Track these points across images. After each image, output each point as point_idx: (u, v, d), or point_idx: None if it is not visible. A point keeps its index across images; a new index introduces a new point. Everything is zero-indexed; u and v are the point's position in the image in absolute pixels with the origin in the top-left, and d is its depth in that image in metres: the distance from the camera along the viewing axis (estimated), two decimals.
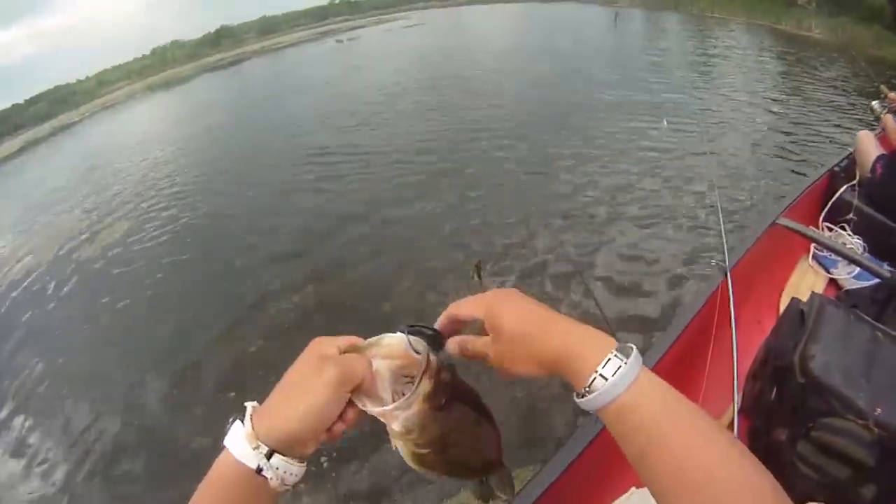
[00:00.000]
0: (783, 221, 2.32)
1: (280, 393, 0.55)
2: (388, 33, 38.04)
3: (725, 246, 2.09)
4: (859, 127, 4.75)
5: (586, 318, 3.27)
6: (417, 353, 0.59)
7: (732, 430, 1.59)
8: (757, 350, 1.78)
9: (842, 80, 9.15)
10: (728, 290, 1.90)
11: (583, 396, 0.51)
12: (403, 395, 0.56)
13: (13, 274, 7.38)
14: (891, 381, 1.36)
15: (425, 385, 0.56)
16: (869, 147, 3.03)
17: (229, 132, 13.04)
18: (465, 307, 0.61)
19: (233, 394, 3.66)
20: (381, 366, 0.58)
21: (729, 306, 1.84)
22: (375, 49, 28.99)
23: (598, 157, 6.29)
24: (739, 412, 1.67)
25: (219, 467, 0.52)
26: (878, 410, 1.29)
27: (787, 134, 6.63)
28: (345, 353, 0.58)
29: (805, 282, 2.60)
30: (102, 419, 3.86)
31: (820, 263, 2.73)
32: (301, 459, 0.54)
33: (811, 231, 2.25)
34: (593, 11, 30.79)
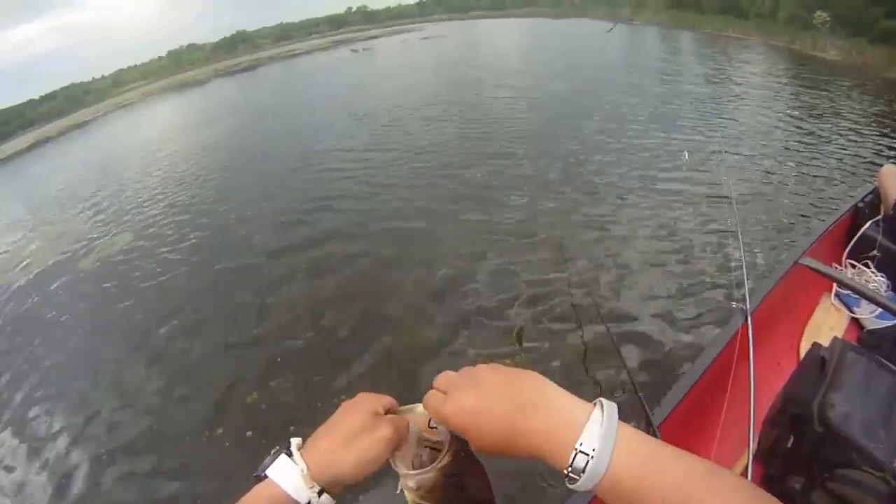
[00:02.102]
0: (805, 261, 2.30)
1: (334, 439, 0.61)
2: (403, 44, 38.34)
3: (747, 288, 2.07)
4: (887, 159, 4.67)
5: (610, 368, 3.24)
6: (436, 426, 0.66)
7: (747, 475, 1.56)
8: (775, 392, 1.75)
9: (868, 112, 8.91)
10: (748, 333, 1.87)
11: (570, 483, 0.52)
12: (420, 457, 0.65)
13: (14, 277, 7.30)
14: None
15: (447, 459, 0.62)
16: (892, 182, 2.94)
17: (239, 141, 12.98)
18: (438, 420, 0.62)
19: (220, 430, 3.52)
20: (412, 431, 0.66)
21: (748, 349, 1.81)
22: (390, 61, 28.99)
23: (613, 194, 6.05)
24: (755, 458, 1.64)
25: (261, 496, 0.57)
26: None
27: (812, 167, 6.43)
28: (387, 413, 0.66)
29: (827, 321, 2.55)
30: (85, 443, 3.74)
31: (843, 302, 2.66)
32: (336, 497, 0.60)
33: (832, 271, 2.21)
34: (603, 27, 30.83)
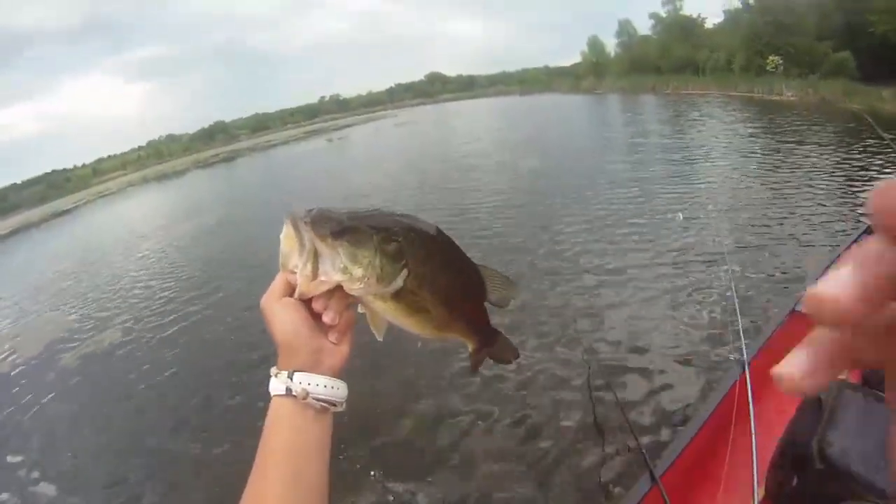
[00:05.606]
0: (801, 307, 2.34)
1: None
2: (377, 131, 39.21)
3: (742, 340, 2.17)
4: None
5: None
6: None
7: None
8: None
9: (839, 147, 9.50)
10: (746, 382, 1.96)
11: None
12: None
13: None
14: None
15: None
16: None
17: (218, 237, 12.38)
18: None
19: None
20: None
21: (747, 398, 1.90)
22: (364, 150, 29.05)
23: (602, 261, 6.05)
24: (765, 501, 1.71)
25: (269, 412, 0.59)
26: None
27: (800, 211, 6.67)
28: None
29: None
30: None
31: None
32: (326, 373, 0.60)
33: None
34: (572, 100, 31.50)
